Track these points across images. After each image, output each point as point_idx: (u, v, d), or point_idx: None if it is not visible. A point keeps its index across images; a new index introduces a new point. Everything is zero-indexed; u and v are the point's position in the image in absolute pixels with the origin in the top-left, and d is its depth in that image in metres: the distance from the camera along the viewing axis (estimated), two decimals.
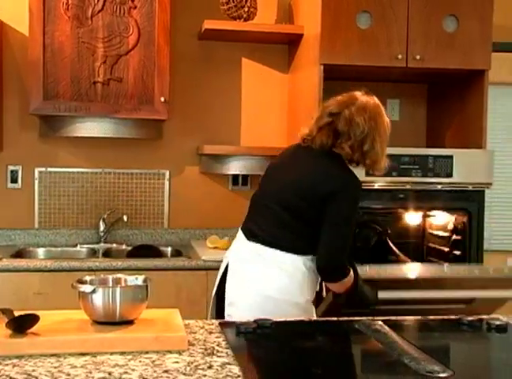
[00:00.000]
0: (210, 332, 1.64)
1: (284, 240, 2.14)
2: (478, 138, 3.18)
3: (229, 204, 3.65)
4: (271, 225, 2.18)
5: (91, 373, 1.32)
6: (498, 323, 1.71)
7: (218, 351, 1.47)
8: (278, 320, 1.77)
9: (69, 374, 1.31)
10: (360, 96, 2.20)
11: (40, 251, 3.36)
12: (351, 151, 2.13)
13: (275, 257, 2.14)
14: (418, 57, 3.07)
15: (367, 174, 2.98)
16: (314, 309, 2.21)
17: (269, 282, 2.12)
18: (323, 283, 2.30)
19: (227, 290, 2.22)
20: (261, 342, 1.56)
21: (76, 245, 3.44)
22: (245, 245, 2.24)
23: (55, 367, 1.35)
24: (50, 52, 3.11)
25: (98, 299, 1.55)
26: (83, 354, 1.42)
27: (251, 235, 2.22)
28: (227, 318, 2.18)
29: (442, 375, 1.30)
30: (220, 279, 2.30)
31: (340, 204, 2.10)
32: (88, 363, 1.37)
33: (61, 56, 3.13)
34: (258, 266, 2.16)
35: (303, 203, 2.12)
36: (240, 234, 2.30)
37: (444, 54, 3.10)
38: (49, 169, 3.48)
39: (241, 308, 2.14)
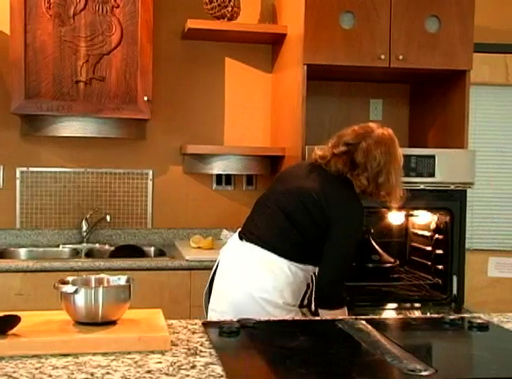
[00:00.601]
0: (193, 332, 1.63)
1: (277, 244, 2.18)
2: (460, 138, 3.20)
3: (213, 203, 3.65)
4: (269, 227, 2.22)
5: (73, 374, 1.31)
6: (479, 321, 1.72)
7: (201, 351, 1.47)
8: (261, 319, 1.77)
9: (50, 375, 1.30)
10: (376, 128, 2.25)
11: (22, 251, 3.33)
12: (367, 182, 2.19)
13: (264, 258, 2.16)
14: (401, 57, 3.08)
15: None
16: (297, 313, 2.21)
17: (252, 280, 2.14)
18: (312, 297, 2.32)
19: (214, 284, 2.26)
20: (244, 342, 1.56)
21: (58, 246, 3.42)
22: (238, 243, 2.27)
23: (36, 368, 1.33)
24: (31, 51, 3.09)
25: (80, 300, 1.54)
26: (65, 355, 1.41)
27: (248, 234, 2.25)
28: (209, 312, 2.23)
29: (424, 373, 1.30)
30: (212, 275, 2.33)
31: (345, 233, 2.17)
32: (69, 364, 1.36)
33: (43, 55, 3.10)
34: (245, 264, 2.19)
35: (307, 216, 2.17)
36: (236, 233, 2.34)
37: (426, 55, 3.12)
38: (31, 169, 3.45)
39: (222, 302, 2.18)
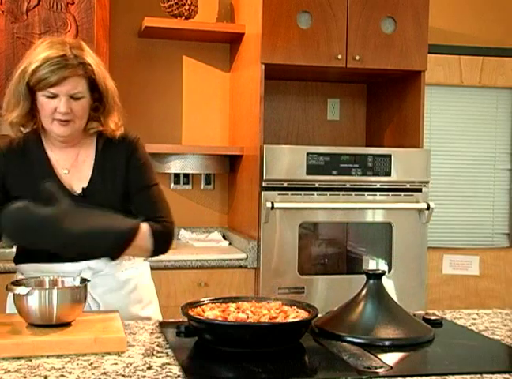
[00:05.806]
0: (150, 333, 1.62)
1: None
2: (415, 137, 3.26)
3: (170, 203, 3.61)
4: None
5: (25, 377, 1.28)
6: (433, 318, 1.75)
7: (158, 352, 1.46)
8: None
9: None
10: None
11: None
12: None
13: None
14: (357, 57, 3.12)
15: (308, 173, 3.03)
16: None
17: None
18: None
19: None
20: (201, 341, 1.55)
21: (11, 246, 3.34)
22: None
23: None
24: None
25: (33, 302, 1.50)
26: (18, 358, 1.38)
27: None
28: None
29: (379, 370, 1.32)
30: None
31: None
32: (22, 367, 1.33)
33: None
34: None
35: None
36: None
37: (382, 55, 3.17)
38: None
39: None
